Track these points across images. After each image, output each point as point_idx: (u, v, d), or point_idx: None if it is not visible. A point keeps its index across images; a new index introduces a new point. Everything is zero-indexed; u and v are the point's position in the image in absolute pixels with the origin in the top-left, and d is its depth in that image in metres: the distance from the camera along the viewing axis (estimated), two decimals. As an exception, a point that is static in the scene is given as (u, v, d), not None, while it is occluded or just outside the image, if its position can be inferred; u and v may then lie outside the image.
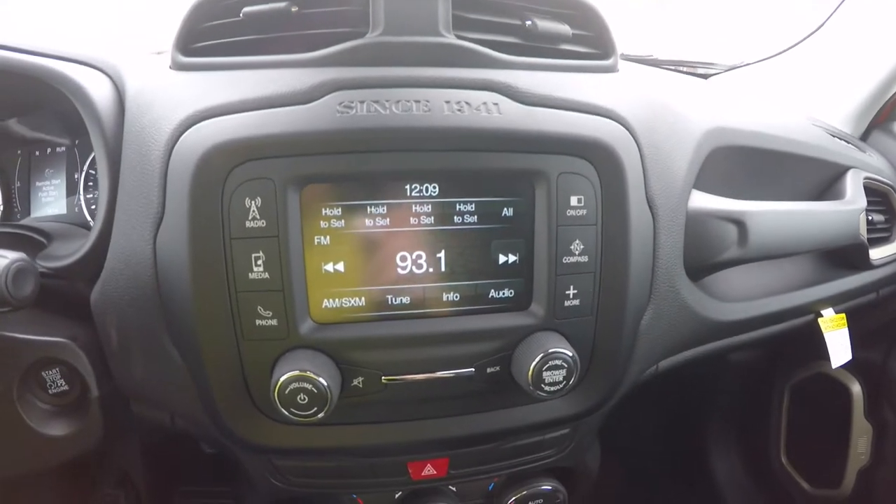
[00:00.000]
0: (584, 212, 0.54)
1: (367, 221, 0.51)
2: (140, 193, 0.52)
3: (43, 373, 0.57)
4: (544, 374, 0.51)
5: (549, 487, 0.70)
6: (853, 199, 0.83)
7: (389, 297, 0.52)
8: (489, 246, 0.53)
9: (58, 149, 0.79)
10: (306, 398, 0.48)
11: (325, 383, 0.48)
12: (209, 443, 0.65)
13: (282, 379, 0.48)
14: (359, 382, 0.53)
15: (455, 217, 0.52)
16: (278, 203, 0.48)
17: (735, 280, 0.76)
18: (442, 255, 0.52)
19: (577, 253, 0.54)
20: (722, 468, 1.24)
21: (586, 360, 0.56)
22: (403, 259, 0.52)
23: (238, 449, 0.61)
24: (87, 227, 0.68)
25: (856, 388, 1.06)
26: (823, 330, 0.86)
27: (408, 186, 0.51)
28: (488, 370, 0.55)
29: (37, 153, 0.78)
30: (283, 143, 0.48)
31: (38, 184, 0.78)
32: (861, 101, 1.02)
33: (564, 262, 0.54)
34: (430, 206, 0.51)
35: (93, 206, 0.75)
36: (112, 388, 0.59)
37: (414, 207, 0.51)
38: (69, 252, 0.57)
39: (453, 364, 0.54)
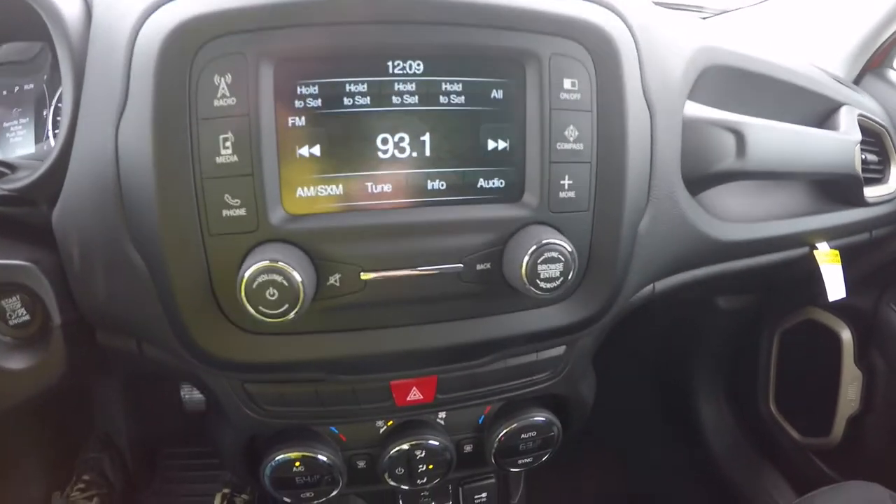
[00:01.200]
0: (579, 96, 0.48)
1: (346, 101, 0.45)
2: (103, 86, 0.47)
3: (2, 301, 0.51)
4: (539, 267, 0.46)
5: (543, 419, 0.65)
6: (847, 131, 0.79)
7: (369, 184, 0.47)
8: (478, 130, 0.48)
9: (25, 86, 0.73)
10: (276, 293, 0.42)
11: (297, 277, 0.42)
12: (178, 373, 0.58)
13: (249, 271, 0.42)
14: (335, 280, 0.47)
15: (441, 97, 0.46)
16: (250, 79, 0.43)
17: (731, 203, 0.72)
18: (427, 138, 0.47)
19: (571, 140, 0.49)
20: (709, 414, 1.20)
21: (584, 261, 0.51)
22: (385, 142, 0.46)
23: (207, 371, 0.55)
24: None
25: (846, 335, 1.02)
26: (819, 262, 0.83)
27: (390, 63, 0.45)
28: (478, 267, 0.49)
29: (3, 92, 0.72)
30: (255, 16, 0.43)
31: (4, 124, 0.72)
32: (854, 46, 0.98)
33: (558, 148, 0.48)
34: (413, 85, 0.46)
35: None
36: (76, 317, 0.53)
37: (396, 86, 0.46)
38: (29, 174, 0.51)
39: (439, 258, 0.48)
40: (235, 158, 0.43)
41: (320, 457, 0.60)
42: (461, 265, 0.48)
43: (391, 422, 0.63)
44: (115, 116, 0.45)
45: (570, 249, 0.47)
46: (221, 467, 1.17)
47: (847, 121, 0.80)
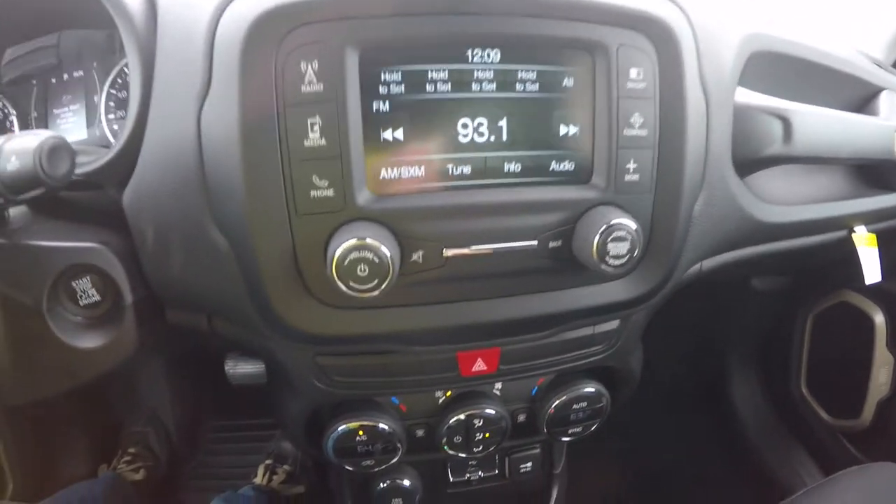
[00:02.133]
0: (643, 85, 0.51)
1: (428, 87, 0.48)
2: (181, 71, 0.49)
3: (73, 283, 0.54)
4: (609, 245, 0.50)
5: (593, 390, 0.69)
6: (888, 116, 0.81)
7: (450, 166, 0.50)
8: (551, 116, 0.51)
9: (75, 73, 0.76)
10: (367, 269, 0.46)
11: (387, 253, 0.46)
12: (244, 347, 0.62)
13: (341, 248, 0.46)
14: (418, 257, 0.50)
15: (517, 84, 0.49)
16: (336, 66, 0.46)
17: (775, 187, 0.75)
18: (504, 123, 0.50)
19: (636, 126, 0.52)
20: (742, 396, 1.23)
21: (645, 239, 0.54)
22: (464, 127, 0.49)
23: (282, 345, 0.59)
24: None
25: (879, 319, 1.04)
26: (857, 244, 0.85)
27: (469, 52, 0.48)
28: (550, 244, 0.52)
29: (53, 81, 0.75)
30: (341, 5, 0.45)
31: (55, 111, 0.76)
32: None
33: (625, 134, 0.52)
34: (491, 73, 0.49)
35: (115, 127, 0.73)
36: (146, 295, 0.56)
37: (476, 73, 0.49)
38: (97, 158, 0.54)
39: (516, 236, 0.52)
40: (323, 142, 0.46)
41: (382, 426, 0.64)
42: (535, 242, 0.52)
43: (450, 392, 0.68)
44: (198, 101, 0.48)
45: (635, 228, 0.50)
46: (268, 439, 1.23)
47: (887, 106, 0.82)
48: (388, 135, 0.48)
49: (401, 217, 0.49)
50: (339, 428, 0.63)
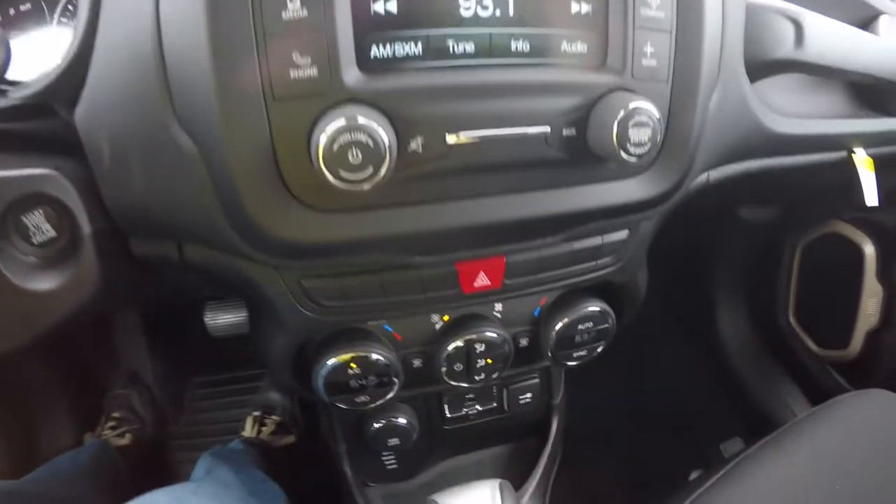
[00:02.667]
0: None
1: (425, -49, 0.41)
2: None
3: (24, 218, 0.46)
4: (630, 132, 0.43)
5: (598, 309, 0.63)
6: (889, 38, 0.78)
7: (451, 42, 0.42)
8: (561, -11, 0.44)
9: (21, 7, 0.66)
10: (359, 155, 0.38)
11: (382, 133, 0.39)
12: (224, 276, 0.53)
13: (329, 130, 0.38)
14: (418, 145, 0.43)
15: (526, -48, 0.42)
16: None
17: (778, 100, 0.70)
18: (511, -6, 0.43)
19: (654, 7, 0.45)
20: (729, 328, 1.21)
21: (662, 132, 0.49)
22: (467, -2, 0.42)
23: (261, 269, 0.51)
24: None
25: (869, 249, 1.02)
26: (858, 166, 0.82)
27: (471, -89, 0.41)
28: (564, 132, 0.46)
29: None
30: None
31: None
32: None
33: (641, 14, 0.45)
34: (498, -64, 0.41)
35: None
36: (107, 226, 0.48)
37: (480, -64, 0.41)
38: (47, 75, 0.45)
39: (527, 120, 0.45)
40: (305, 13, 0.38)
41: (375, 356, 0.57)
42: (547, 128, 0.45)
43: (447, 317, 0.61)
44: None
45: (657, 116, 0.44)
46: (254, 391, 1.17)
47: (885, 29, 0.79)
48: (379, 6, 0.41)
49: (397, 98, 0.42)
50: (329, 361, 0.56)
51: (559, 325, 0.63)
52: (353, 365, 0.57)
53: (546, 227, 0.52)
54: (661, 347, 1.28)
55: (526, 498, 0.80)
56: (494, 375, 0.64)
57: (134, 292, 0.64)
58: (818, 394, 1.13)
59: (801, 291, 1.13)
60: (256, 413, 1.14)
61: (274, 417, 1.13)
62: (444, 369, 0.62)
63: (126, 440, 1.12)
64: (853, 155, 0.81)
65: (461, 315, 0.62)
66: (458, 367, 0.62)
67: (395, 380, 0.60)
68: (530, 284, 0.58)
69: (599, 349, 0.67)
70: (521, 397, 0.79)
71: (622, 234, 0.58)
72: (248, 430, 1.11)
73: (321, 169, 0.39)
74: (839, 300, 1.06)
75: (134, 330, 1.21)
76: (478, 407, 0.79)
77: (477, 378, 0.63)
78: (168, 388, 1.24)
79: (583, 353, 0.66)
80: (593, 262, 0.59)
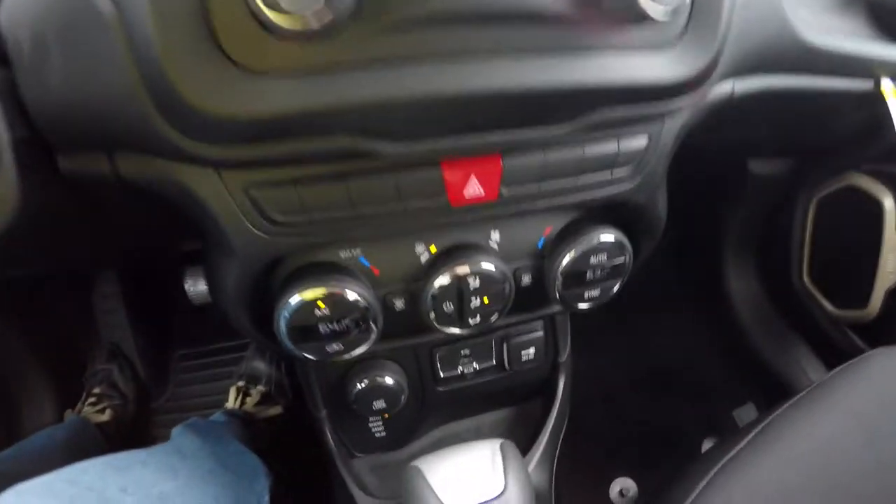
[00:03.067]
0: None
1: None
2: None
3: None
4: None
5: (612, 238, 0.51)
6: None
7: None
8: None
9: None
10: None
11: None
12: (161, 190, 0.42)
13: None
14: None
15: None
16: None
17: (804, 13, 0.59)
18: None
19: None
20: (738, 286, 1.08)
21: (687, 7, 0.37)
22: None
23: (205, 174, 0.39)
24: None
25: (888, 202, 0.89)
26: (886, 96, 0.70)
27: None
28: None
29: None
30: None
31: None
32: None
33: None
34: None
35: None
36: (29, 137, 0.39)
37: None
38: None
39: None
40: None
41: (349, 293, 0.45)
42: None
43: (434, 247, 0.49)
44: None
45: None
46: (240, 362, 1.05)
47: None
48: None
49: None
50: (293, 300, 0.44)
51: (567, 258, 0.50)
52: (321, 304, 0.45)
53: (551, 106, 0.39)
54: (668, 310, 1.16)
55: (532, 465, 0.68)
56: (493, 318, 0.52)
57: (71, 234, 0.52)
58: (834, 356, 1.01)
59: (815, 249, 1.01)
60: (241, 384, 1.02)
61: (259, 388, 1.01)
62: (431, 312, 0.50)
63: (106, 416, 1.00)
64: (881, 86, 0.69)
65: (451, 245, 0.50)
66: (448, 307, 0.49)
67: (373, 325, 0.48)
68: (533, 197, 0.46)
69: (614, 289, 0.55)
70: (523, 353, 0.67)
71: (641, 141, 0.46)
72: (231, 402, 0.99)
73: (258, 4, 0.27)
74: (857, 257, 0.94)
75: (115, 302, 1.09)
76: (475, 365, 0.67)
77: (471, 322, 0.51)
78: (151, 362, 1.12)
79: (595, 292, 0.54)
80: (607, 174, 0.47)
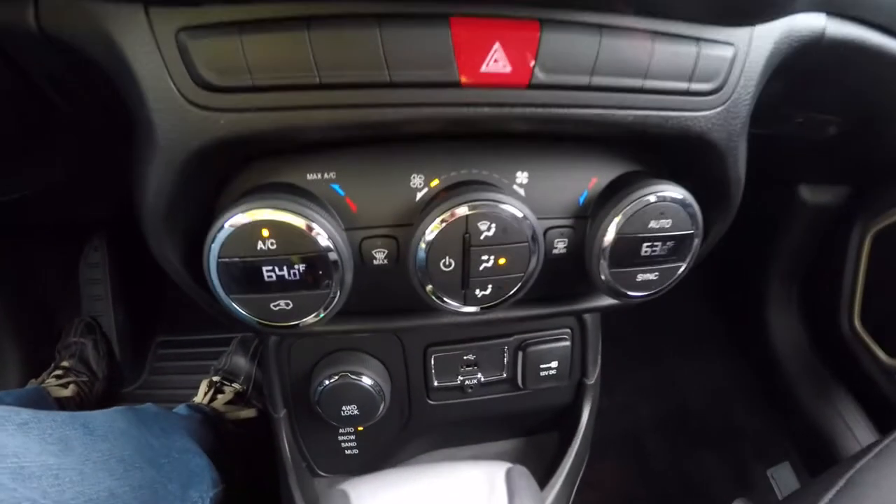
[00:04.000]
0: None
1: None
2: None
3: None
4: None
5: (680, 196, 0.32)
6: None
7: None
8: None
9: None
10: None
11: None
12: (88, 42, 0.26)
13: None
14: None
15: None
16: None
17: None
18: None
19: None
20: (779, 329, 0.85)
21: None
22: None
23: (127, 17, 0.24)
24: None
25: (958, 239, 0.68)
26: None
27: None
28: None
29: None
30: None
31: None
32: None
33: None
34: None
35: None
36: None
37: None
38: None
39: None
40: None
41: (308, 224, 0.27)
42: None
43: (437, 180, 0.30)
44: None
45: None
46: (216, 357, 0.83)
47: None
48: None
49: None
50: (231, 218, 0.27)
51: (618, 220, 0.31)
52: (264, 232, 0.27)
53: None
54: (701, 348, 0.92)
55: None
56: (510, 293, 0.31)
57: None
58: (885, 413, 0.77)
59: (869, 290, 0.79)
60: (215, 378, 0.80)
61: (235, 386, 0.80)
62: (422, 270, 0.29)
63: (69, 392, 0.80)
64: None
65: (460, 180, 0.31)
66: (449, 264, 0.29)
67: (338, 279, 0.29)
68: (579, 98, 0.27)
69: (676, 275, 0.35)
70: (542, 367, 0.46)
71: (726, 51, 0.29)
72: (200, 396, 0.78)
73: None
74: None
75: (100, 272, 0.89)
76: (480, 376, 0.46)
77: (478, 293, 0.31)
78: (128, 343, 0.91)
79: (651, 276, 0.34)
80: (683, 84, 0.29)
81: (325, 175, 0.30)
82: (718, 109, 0.31)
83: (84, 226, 0.89)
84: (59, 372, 0.83)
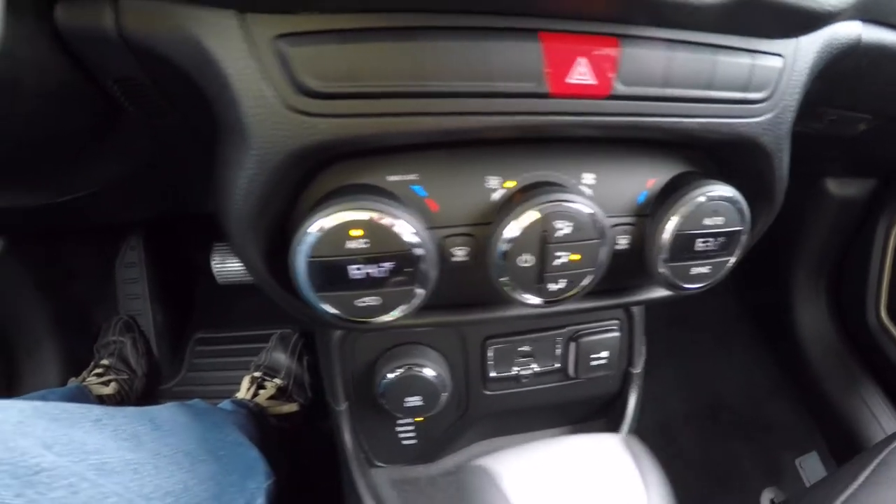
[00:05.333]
0: None
1: None
2: None
3: None
4: None
5: (730, 193, 0.34)
6: None
7: None
8: None
9: None
10: None
11: None
12: (173, 46, 0.26)
13: None
14: None
15: None
16: None
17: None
18: None
19: None
20: (807, 322, 0.86)
21: None
22: None
23: (222, 25, 0.25)
24: None
25: (985, 232, 0.69)
26: None
27: None
28: None
29: None
30: None
31: None
32: None
33: None
34: None
35: None
36: None
37: None
38: None
39: None
40: None
41: (399, 223, 0.29)
42: None
43: (511, 182, 0.32)
44: None
45: None
46: (254, 353, 0.85)
47: None
48: None
49: None
50: (322, 221, 0.28)
51: (677, 218, 0.34)
52: (356, 231, 0.28)
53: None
54: (729, 342, 0.93)
55: None
56: (581, 285, 0.33)
57: (62, 111, 0.35)
58: (914, 406, 0.79)
59: (895, 281, 0.80)
60: (257, 374, 0.83)
61: (276, 381, 0.82)
62: (502, 268, 0.31)
63: (110, 389, 0.82)
64: None
65: (533, 182, 0.33)
66: (525, 261, 0.31)
67: (424, 277, 0.30)
68: (651, 108, 0.30)
69: (726, 268, 0.37)
70: (593, 357, 0.47)
71: (776, 61, 0.33)
72: (243, 392, 0.80)
73: None
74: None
75: (137, 272, 0.91)
76: (534, 367, 0.48)
77: (550, 287, 0.32)
78: (166, 341, 0.93)
79: (704, 269, 0.36)
80: (739, 94, 0.32)
81: (407, 177, 0.32)
82: (769, 116, 0.34)
83: (121, 226, 0.91)
84: (99, 370, 0.85)
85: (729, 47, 0.31)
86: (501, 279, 0.32)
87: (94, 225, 0.84)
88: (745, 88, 0.32)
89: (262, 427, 0.69)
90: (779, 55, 0.33)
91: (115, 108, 0.35)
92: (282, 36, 0.25)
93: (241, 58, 0.25)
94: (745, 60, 0.31)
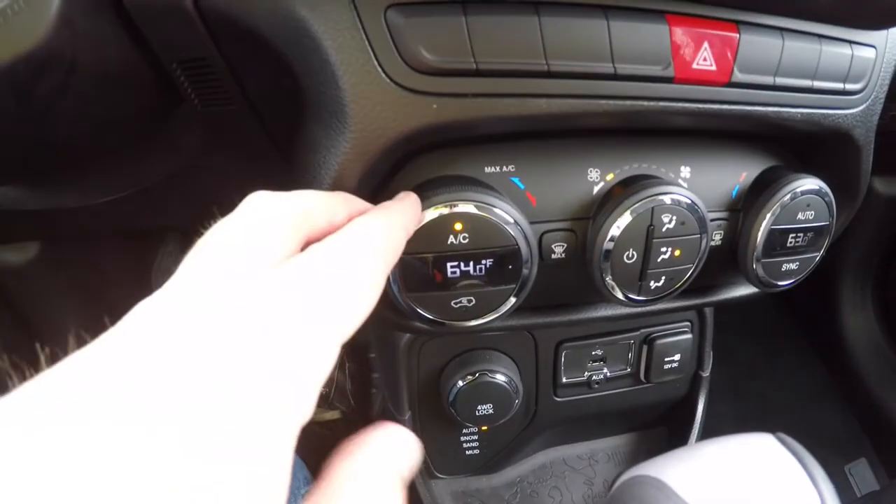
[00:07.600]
0: None
1: None
2: None
3: None
4: None
5: (819, 187, 0.33)
6: None
7: None
8: None
9: None
10: None
11: None
12: (256, 19, 0.24)
13: None
14: None
15: None
16: None
17: None
18: None
19: None
20: (854, 325, 0.83)
21: None
22: None
23: None
24: None
25: None
26: None
27: None
28: None
29: None
30: None
31: None
32: None
33: None
34: None
35: None
36: None
37: None
38: None
39: None
40: None
41: (504, 216, 0.27)
42: None
43: (612, 174, 0.31)
44: None
45: None
46: None
47: None
48: None
49: None
50: (424, 212, 0.26)
51: (773, 212, 0.32)
52: (458, 225, 0.26)
53: None
54: (777, 347, 0.90)
55: None
56: (686, 278, 0.32)
57: (120, 108, 0.32)
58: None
59: (946, 283, 0.77)
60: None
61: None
62: (604, 264, 0.30)
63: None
64: None
65: (633, 175, 0.31)
66: (630, 257, 0.30)
67: (524, 274, 0.28)
68: (763, 97, 0.29)
69: (813, 263, 0.36)
70: (666, 360, 0.45)
71: (870, 52, 0.32)
72: (284, 400, 0.77)
73: None
74: None
75: (172, 263, 0.89)
76: (606, 371, 0.45)
77: (652, 285, 0.30)
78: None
79: (793, 265, 0.35)
80: (840, 85, 0.31)
81: (505, 168, 0.30)
82: (863, 107, 0.33)
83: (158, 230, 0.89)
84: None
85: (832, 38, 0.30)
86: (604, 276, 0.30)
87: (131, 229, 0.82)
88: (844, 79, 0.31)
89: (303, 433, 0.67)
90: (873, 46, 0.32)
91: (172, 98, 0.32)
92: (395, 5, 0.23)
93: (346, 28, 0.23)
94: (845, 51, 0.30)
